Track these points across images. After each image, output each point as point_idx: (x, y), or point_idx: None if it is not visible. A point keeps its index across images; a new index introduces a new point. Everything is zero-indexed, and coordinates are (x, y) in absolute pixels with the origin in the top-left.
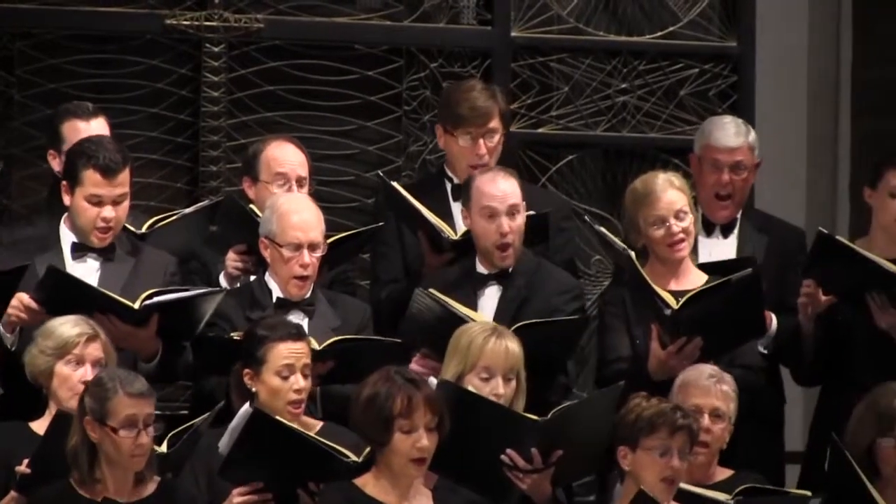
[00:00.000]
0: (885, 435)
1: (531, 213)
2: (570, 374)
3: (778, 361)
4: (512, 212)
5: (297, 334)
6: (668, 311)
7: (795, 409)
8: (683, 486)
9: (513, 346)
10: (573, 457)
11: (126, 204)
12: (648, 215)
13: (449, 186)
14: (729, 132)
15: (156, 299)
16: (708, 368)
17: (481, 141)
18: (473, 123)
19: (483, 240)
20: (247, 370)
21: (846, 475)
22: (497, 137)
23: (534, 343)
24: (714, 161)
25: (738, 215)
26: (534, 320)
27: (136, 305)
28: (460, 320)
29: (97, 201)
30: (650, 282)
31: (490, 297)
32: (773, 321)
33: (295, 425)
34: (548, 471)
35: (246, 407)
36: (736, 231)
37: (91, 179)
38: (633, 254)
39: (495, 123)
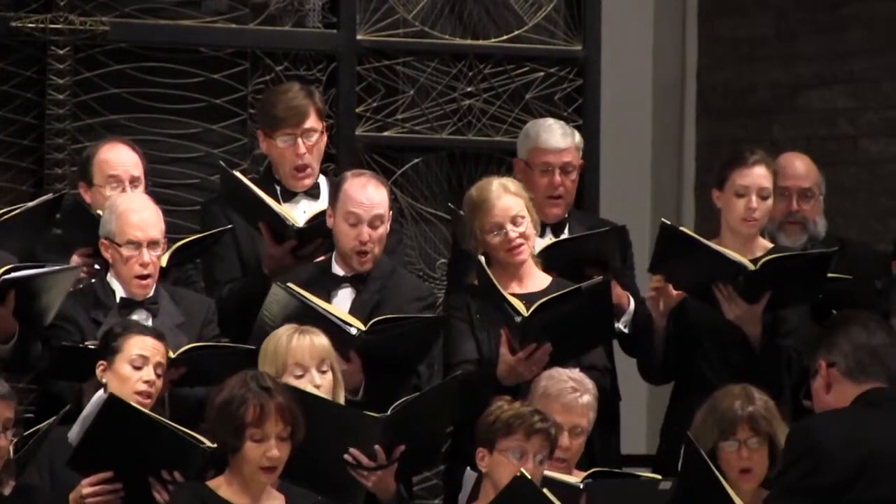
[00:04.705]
0: (727, 439)
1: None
2: (421, 376)
3: (633, 347)
4: (375, 222)
5: (156, 333)
6: (518, 319)
7: (637, 411)
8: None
9: (318, 339)
10: (415, 451)
11: None
12: (485, 223)
13: (278, 189)
14: (556, 134)
15: (13, 275)
16: (569, 379)
17: (300, 141)
18: (290, 123)
19: (343, 244)
20: (101, 362)
21: (700, 474)
22: (316, 136)
23: (387, 341)
24: (544, 163)
25: (567, 215)
26: (391, 315)
27: None
28: (319, 314)
29: None
30: (500, 288)
31: (343, 299)
32: (631, 302)
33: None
34: (392, 467)
35: (100, 393)
36: (566, 230)
37: None
38: (482, 259)
39: (313, 122)
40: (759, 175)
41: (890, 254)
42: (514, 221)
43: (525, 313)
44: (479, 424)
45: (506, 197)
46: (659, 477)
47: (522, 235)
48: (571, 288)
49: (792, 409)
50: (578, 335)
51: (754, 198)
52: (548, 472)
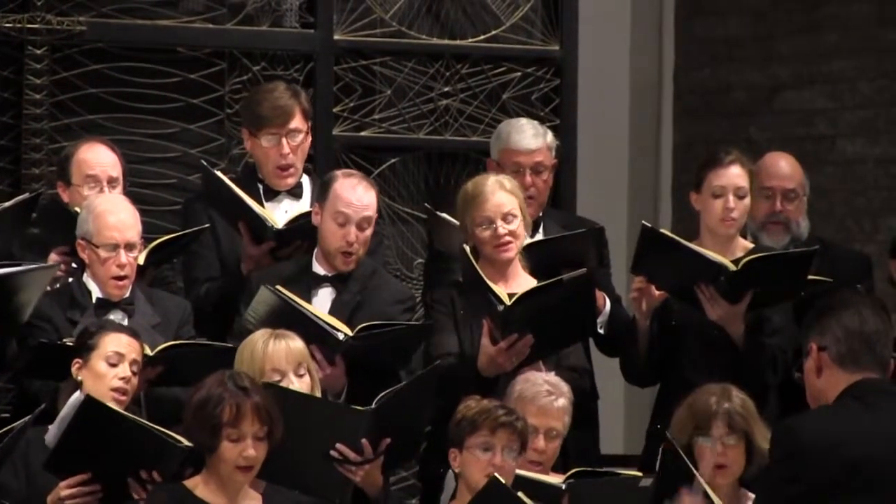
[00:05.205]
0: (703, 434)
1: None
2: (402, 380)
3: (610, 348)
4: (363, 224)
5: (132, 332)
6: (500, 308)
7: (615, 412)
8: (519, 472)
9: (294, 343)
10: (399, 442)
11: None
12: (476, 216)
13: (261, 188)
14: (527, 134)
15: None
16: (544, 382)
17: (284, 140)
18: (275, 123)
19: (328, 242)
20: (76, 360)
21: (677, 471)
22: (300, 137)
23: (373, 346)
24: (515, 164)
25: (541, 214)
26: (376, 322)
27: None
28: (307, 319)
29: None
30: (484, 277)
31: (323, 299)
32: (607, 302)
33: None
34: (378, 460)
35: (77, 395)
36: (541, 230)
37: None
38: (468, 248)
39: (298, 122)
40: (734, 175)
41: (867, 256)
42: (504, 218)
43: (507, 302)
44: (450, 425)
45: (500, 193)
46: (639, 474)
47: (512, 233)
48: (554, 279)
49: (778, 410)
50: (560, 328)
51: (731, 198)
52: (528, 473)
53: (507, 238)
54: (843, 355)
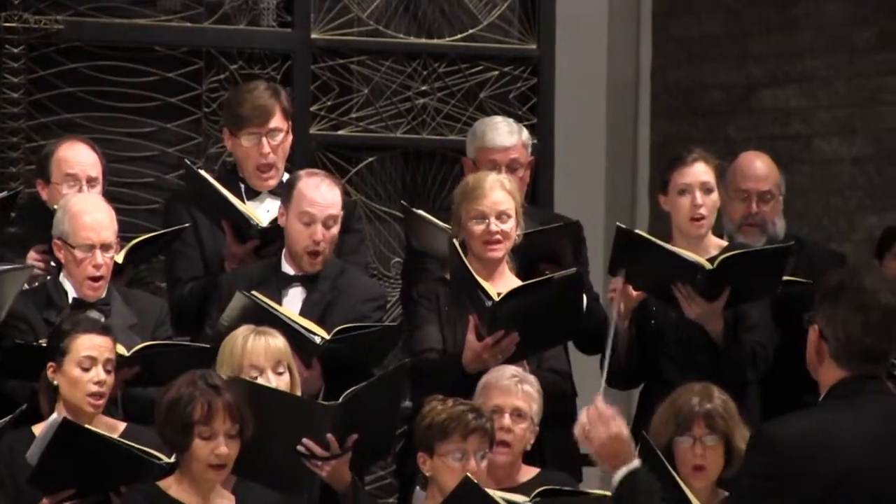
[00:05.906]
0: (683, 434)
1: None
2: None
3: (586, 345)
4: (329, 221)
5: (102, 329)
6: (488, 303)
7: None
8: (488, 491)
9: (274, 340)
10: (367, 439)
11: None
12: (471, 210)
13: (243, 187)
14: (502, 131)
15: None
16: (510, 369)
17: (264, 140)
18: (255, 123)
19: (295, 243)
20: (51, 363)
21: (655, 471)
22: (281, 136)
23: (349, 348)
24: (491, 162)
25: None
26: (351, 325)
27: None
28: (283, 323)
29: None
30: (472, 272)
31: (294, 298)
32: (584, 298)
33: (102, 430)
34: (345, 456)
35: (54, 416)
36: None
37: None
38: (457, 242)
39: (278, 122)
40: (699, 171)
41: (843, 255)
42: (499, 217)
43: (496, 298)
44: (416, 428)
45: (498, 191)
46: (608, 493)
47: (503, 233)
48: (543, 277)
49: (759, 408)
50: (546, 327)
51: (698, 193)
52: (495, 493)
53: (498, 237)
54: (839, 356)
